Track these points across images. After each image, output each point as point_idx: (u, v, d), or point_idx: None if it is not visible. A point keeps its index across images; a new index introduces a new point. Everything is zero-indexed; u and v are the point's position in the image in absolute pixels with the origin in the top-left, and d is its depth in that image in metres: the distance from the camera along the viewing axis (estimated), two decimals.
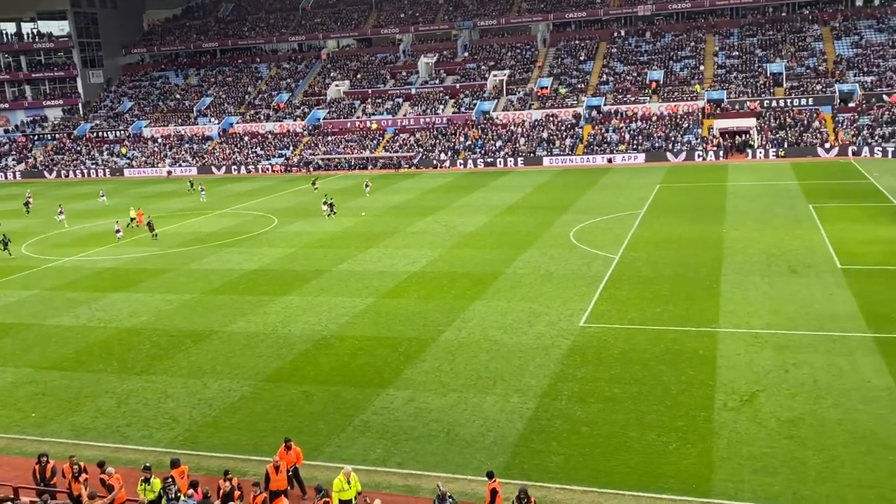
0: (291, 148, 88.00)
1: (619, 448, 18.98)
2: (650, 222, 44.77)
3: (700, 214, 46.03)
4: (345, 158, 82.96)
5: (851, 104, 72.56)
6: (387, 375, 24.29)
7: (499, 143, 79.12)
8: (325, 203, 53.60)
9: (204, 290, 35.63)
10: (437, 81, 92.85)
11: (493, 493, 15.67)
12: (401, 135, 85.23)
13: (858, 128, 69.08)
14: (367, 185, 62.67)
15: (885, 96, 71.70)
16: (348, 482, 16.09)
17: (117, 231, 48.63)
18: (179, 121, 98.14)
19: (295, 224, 51.17)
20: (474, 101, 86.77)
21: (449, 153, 79.40)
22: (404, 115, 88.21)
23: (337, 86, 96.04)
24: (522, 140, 78.66)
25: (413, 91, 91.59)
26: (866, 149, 66.32)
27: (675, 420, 20.14)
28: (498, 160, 76.59)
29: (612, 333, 26.78)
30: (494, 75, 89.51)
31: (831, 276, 31.88)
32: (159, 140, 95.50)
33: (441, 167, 77.95)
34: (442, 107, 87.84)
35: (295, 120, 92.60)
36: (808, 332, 25.66)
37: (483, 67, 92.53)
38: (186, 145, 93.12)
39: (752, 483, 17.09)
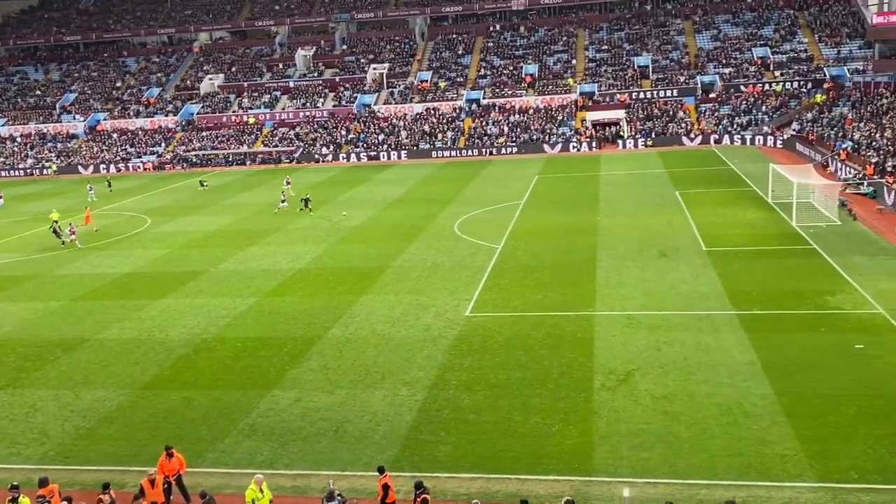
0: (164, 144, 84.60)
1: (505, 433, 19.43)
2: (530, 212, 45.92)
3: (576, 203, 47.60)
4: (222, 154, 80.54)
5: (712, 95, 76.80)
6: (272, 376, 23.86)
7: (381, 137, 78.95)
8: (282, 199, 51.51)
9: (73, 297, 33.81)
10: (315, 74, 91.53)
11: (385, 487, 15.71)
12: (280, 129, 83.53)
13: (719, 117, 73.24)
14: (287, 182, 57.99)
15: (742, 87, 76.28)
16: (261, 490, 15.74)
17: (72, 233, 44.42)
18: (41, 118, 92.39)
19: (170, 224, 49.29)
20: (355, 95, 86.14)
21: (331, 147, 78.55)
22: (283, 109, 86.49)
23: (211, 79, 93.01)
24: (404, 133, 78.83)
25: (291, 84, 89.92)
26: (727, 137, 70.41)
27: (558, 402, 20.82)
28: (381, 153, 76.45)
29: (496, 321, 27.35)
30: (374, 68, 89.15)
31: (697, 258, 33.73)
32: (18, 139, 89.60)
33: (323, 161, 77.02)
34: (322, 100, 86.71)
35: (167, 115, 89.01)
36: (678, 312, 27.08)
37: (363, 60, 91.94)
38: (49, 144, 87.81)
39: (631, 459, 17.91)
